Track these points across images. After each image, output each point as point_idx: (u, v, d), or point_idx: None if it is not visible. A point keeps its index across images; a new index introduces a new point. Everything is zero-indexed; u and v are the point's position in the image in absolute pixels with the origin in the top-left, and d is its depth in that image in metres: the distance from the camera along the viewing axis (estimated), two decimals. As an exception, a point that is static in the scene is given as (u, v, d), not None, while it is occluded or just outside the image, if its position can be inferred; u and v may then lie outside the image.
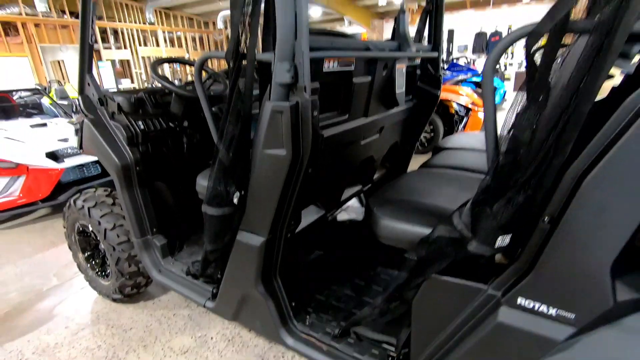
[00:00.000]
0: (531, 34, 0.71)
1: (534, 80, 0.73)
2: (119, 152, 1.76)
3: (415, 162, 2.15)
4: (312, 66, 1.08)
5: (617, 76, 1.04)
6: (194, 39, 15.06)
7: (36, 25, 10.09)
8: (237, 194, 1.30)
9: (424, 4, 2.00)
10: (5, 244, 3.20)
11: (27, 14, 9.74)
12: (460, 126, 5.48)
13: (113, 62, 10.89)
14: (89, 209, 2.03)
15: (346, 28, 16.05)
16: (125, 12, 12.17)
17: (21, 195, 3.46)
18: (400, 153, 2.32)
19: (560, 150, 0.72)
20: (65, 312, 2.21)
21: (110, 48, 11.97)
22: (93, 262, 2.27)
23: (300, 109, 1.08)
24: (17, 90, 5.03)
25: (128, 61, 12.73)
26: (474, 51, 14.15)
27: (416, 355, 1.13)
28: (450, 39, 15.16)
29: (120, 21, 12.11)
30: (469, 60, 10.88)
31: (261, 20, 1.13)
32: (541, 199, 0.78)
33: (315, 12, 13.39)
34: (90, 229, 2.09)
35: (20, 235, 3.38)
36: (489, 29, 13.74)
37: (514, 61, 13.48)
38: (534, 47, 0.72)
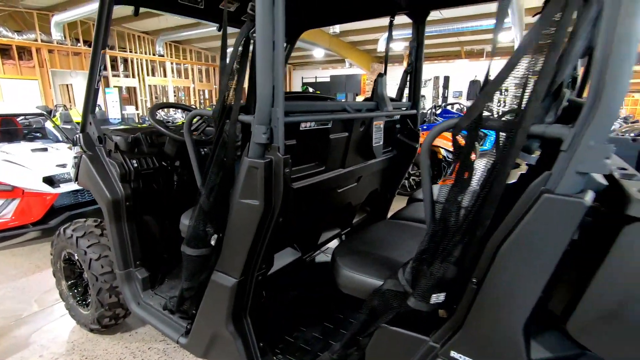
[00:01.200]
0: (456, 126, 0.87)
1: (459, 161, 0.87)
2: (111, 188, 1.87)
3: (403, 203, 2.27)
4: (290, 126, 1.23)
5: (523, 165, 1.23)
6: (200, 71, 15.69)
7: (50, 51, 10.55)
8: (214, 237, 1.41)
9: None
10: (-9, 266, 3.23)
11: (42, 41, 10.22)
12: (449, 171, 5.69)
13: (120, 89, 11.30)
14: (77, 238, 2.11)
15: (347, 70, 16.78)
16: (137, 43, 12.76)
17: (13, 217, 3.53)
18: (381, 199, 2.45)
19: (480, 223, 0.85)
20: (41, 340, 2.23)
21: (118, 76, 12.43)
22: (75, 291, 2.32)
23: (274, 166, 1.21)
24: (23, 115, 5.22)
25: (135, 88, 13.17)
26: (468, 97, 14.77)
27: None
28: (445, 85, 15.88)
29: (131, 51, 12.68)
30: (462, 107, 11.35)
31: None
32: (470, 263, 0.90)
33: (318, 54, 14.08)
34: (77, 257, 2.16)
35: (7, 257, 3.42)
36: (482, 77, 14.45)
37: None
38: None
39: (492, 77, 0.84)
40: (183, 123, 1.63)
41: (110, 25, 1.80)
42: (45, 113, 5.35)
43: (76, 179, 2.07)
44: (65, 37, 10.52)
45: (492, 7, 8.07)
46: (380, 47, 11.38)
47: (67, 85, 11.67)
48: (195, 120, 2.17)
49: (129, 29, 12.23)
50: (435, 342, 1.00)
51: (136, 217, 1.96)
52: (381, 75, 1.95)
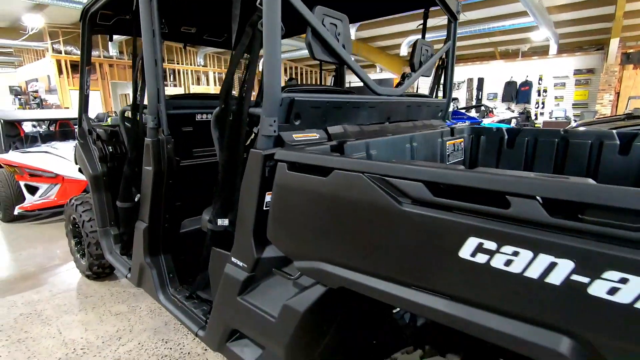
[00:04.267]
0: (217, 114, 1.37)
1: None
2: (93, 166, 2.57)
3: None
4: (187, 116, 1.79)
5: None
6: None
7: (110, 65, 12.24)
8: (138, 195, 2.01)
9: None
10: (34, 233, 4.20)
11: (104, 57, 11.92)
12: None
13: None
14: (77, 206, 2.86)
15: (379, 74, 17.04)
16: (183, 56, 14.23)
17: (56, 198, 4.49)
18: None
19: (232, 172, 1.34)
20: (53, 282, 3.01)
21: (167, 85, 13.99)
22: (78, 247, 3.08)
23: (160, 143, 1.78)
24: (75, 119, 6.38)
25: (180, 97, 14.67)
26: (503, 99, 14.30)
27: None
28: (480, 87, 15.47)
29: (178, 63, 14.16)
30: (489, 108, 11.12)
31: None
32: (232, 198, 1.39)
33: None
34: (77, 220, 2.91)
35: (46, 227, 4.38)
36: (519, 78, 13.90)
37: (545, 110, 13.39)
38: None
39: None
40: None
41: (91, 48, 2.50)
42: (95, 119, 6.48)
43: (75, 161, 2.82)
44: (122, 53, 12.16)
45: (522, 7, 7.96)
46: (403, 51, 11.58)
47: (125, 94, 13.40)
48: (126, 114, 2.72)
49: (177, 44, 13.70)
50: (231, 254, 1.47)
51: (110, 188, 2.64)
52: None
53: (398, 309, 1.44)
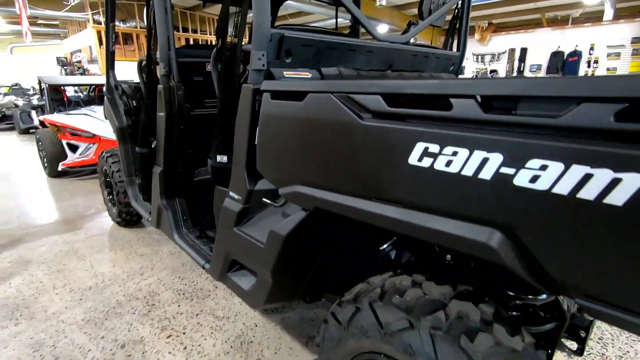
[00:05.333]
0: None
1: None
2: (119, 119, 2.76)
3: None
4: (197, 65, 1.89)
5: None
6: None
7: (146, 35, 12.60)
8: (154, 142, 2.16)
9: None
10: (75, 187, 4.60)
11: (141, 27, 12.29)
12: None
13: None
14: (107, 158, 3.10)
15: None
16: (213, 25, 14.37)
17: (94, 157, 4.85)
18: None
19: (227, 109, 1.41)
20: (89, 226, 3.33)
21: (199, 56, 14.24)
22: (109, 197, 3.36)
23: (171, 90, 1.89)
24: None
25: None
26: (547, 71, 13.32)
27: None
28: (522, 59, 14.49)
29: (210, 34, 14.34)
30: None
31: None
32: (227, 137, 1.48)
33: (382, 29, 14.08)
34: (108, 172, 3.16)
35: (86, 182, 4.78)
36: (567, 48, 12.84)
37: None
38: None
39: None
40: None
41: (114, 5, 2.63)
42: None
43: (105, 116, 3.03)
44: (157, 24, 12.46)
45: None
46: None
47: (160, 65, 13.84)
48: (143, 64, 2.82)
49: (209, 13, 13.82)
50: (229, 189, 1.58)
51: (135, 140, 2.83)
52: None
53: (384, 246, 1.50)
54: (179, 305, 2.14)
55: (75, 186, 4.70)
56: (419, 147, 0.76)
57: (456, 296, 0.94)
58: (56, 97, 6.38)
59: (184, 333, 1.91)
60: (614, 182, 0.53)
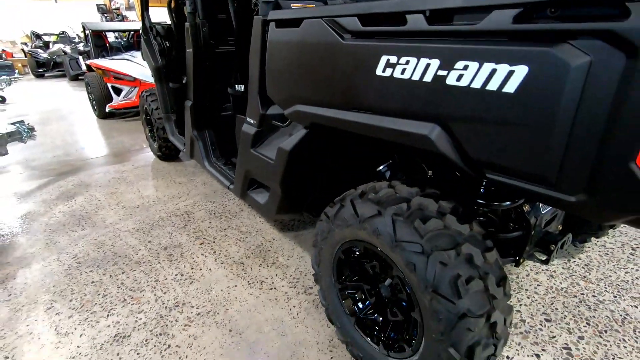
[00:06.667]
0: None
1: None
2: (155, 59, 3.01)
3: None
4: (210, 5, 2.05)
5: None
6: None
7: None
8: (185, 78, 2.40)
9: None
10: (122, 127, 5.07)
11: (173, -28, 12.19)
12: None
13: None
14: (146, 96, 3.42)
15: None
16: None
17: (136, 99, 5.24)
18: None
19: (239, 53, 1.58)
20: (135, 159, 3.77)
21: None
22: (150, 133, 3.73)
23: (197, 27, 2.08)
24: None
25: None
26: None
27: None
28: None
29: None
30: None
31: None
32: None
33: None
34: (148, 110, 3.50)
35: (130, 123, 5.23)
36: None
37: None
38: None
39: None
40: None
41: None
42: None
43: (143, 57, 3.29)
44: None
45: None
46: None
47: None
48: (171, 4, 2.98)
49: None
50: (246, 115, 1.80)
51: (169, 78, 3.09)
52: None
53: (381, 167, 1.69)
54: (210, 222, 2.50)
55: (121, 126, 5.17)
56: (383, 59, 0.92)
57: (422, 195, 1.13)
58: (99, 43, 6.77)
59: (213, 242, 2.27)
60: (509, 74, 0.67)
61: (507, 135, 0.72)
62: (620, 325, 1.61)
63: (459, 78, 0.76)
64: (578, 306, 1.72)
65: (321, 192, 1.75)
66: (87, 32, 6.88)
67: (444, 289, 0.96)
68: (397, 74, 0.89)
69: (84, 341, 1.56)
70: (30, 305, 1.78)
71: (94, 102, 5.56)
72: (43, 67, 11.01)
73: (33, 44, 11.75)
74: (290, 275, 1.94)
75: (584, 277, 1.92)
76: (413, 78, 0.85)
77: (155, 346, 1.53)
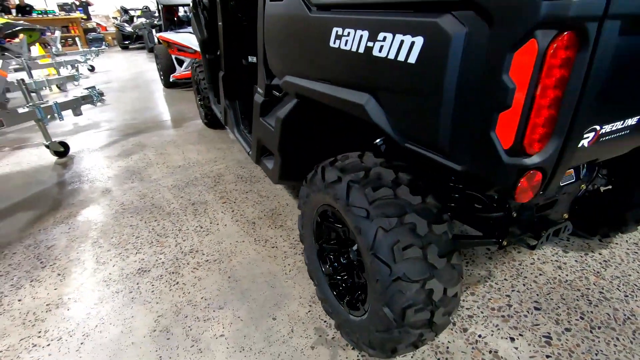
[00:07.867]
0: None
1: None
2: (202, 32, 3.26)
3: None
4: None
5: None
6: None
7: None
8: (219, 51, 2.59)
9: None
10: (183, 96, 5.55)
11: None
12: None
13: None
14: (195, 67, 3.72)
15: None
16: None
17: (195, 70, 5.67)
18: None
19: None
20: (186, 125, 4.17)
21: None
22: (200, 102, 4.07)
23: (226, 0, 2.22)
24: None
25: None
26: None
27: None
28: None
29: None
30: None
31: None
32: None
33: None
34: (197, 80, 3.81)
35: (190, 93, 5.70)
36: None
37: None
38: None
39: None
40: None
41: None
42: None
43: (193, 30, 3.56)
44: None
45: None
46: None
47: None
48: None
49: None
50: (257, 85, 1.93)
51: (214, 51, 3.32)
52: None
53: (377, 141, 1.72)
54: (235, 185, 2.74)
55: (182, 95, 5.67)
56: (334, 31, 0.97)
57: (386, 166, 1.18)
58: (169, 17, 7.32)
59: (234, 202, 2.50)
60: (412, 45, 0.69)
61: (414, 105, 0.75)
62: (619, 325, 1.50)
63: (381, 49, 0.79)
64: (577, 300, 1.63)
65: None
66: (159, 6, 7.48)
67: (382, 252, 1.03)
68: (342, 45, 0.94)
69: (115, 270, 1.90)
70: (82, 238, 2.18)
71: (161, 72, 6.12)
72: (127, 40, 12.23)
73: (122, 18, 13.06)
74: (293, 238, 2.10)
75: (597, 272, 1.78)
76: (352, 49, 0.90)
77: (167, 281, 1.81)
